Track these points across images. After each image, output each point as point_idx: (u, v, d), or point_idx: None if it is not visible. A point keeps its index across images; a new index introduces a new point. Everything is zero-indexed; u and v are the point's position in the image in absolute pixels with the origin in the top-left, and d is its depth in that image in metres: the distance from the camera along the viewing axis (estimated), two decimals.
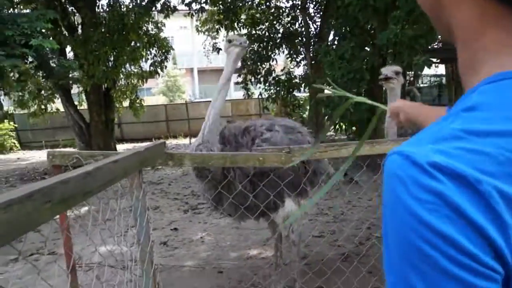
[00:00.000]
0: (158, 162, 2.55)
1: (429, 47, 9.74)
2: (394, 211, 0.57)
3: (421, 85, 21.42)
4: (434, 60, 11.79)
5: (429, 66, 8.88)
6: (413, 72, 11.49)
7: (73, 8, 13.43)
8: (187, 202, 8.17)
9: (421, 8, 0.74)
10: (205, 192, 3.22)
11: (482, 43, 0.64)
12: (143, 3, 13.26)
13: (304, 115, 17.46)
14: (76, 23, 13.73)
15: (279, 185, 2.98)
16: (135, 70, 14.76)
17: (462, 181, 0.53)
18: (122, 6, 13.55)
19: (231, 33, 3.24)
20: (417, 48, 8.11)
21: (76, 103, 14.60)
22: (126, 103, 16.09)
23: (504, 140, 0.55)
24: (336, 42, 10.99)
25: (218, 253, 5.32)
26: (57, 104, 15.94)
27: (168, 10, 13.65)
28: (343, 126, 10.28)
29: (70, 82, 13.49)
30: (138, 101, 15.81)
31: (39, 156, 17.29)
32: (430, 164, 0.54)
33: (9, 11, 9.96)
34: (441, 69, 19.27)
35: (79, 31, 13.27)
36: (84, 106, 15.01)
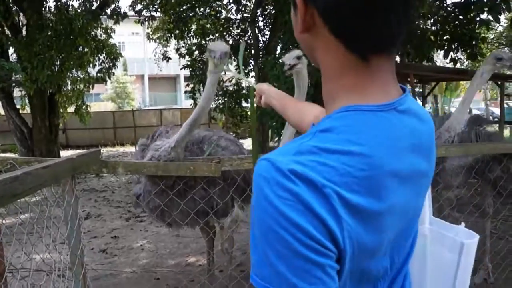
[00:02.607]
0: (92, 169, 2.65)
1: None
2: (259, 203, 0.74)
3: None
4: None
5: None
6: None
7: (17, 8, 13.06)
8: (129, 210, 8.16)
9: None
10: (152, 199, 3.16)
11: (340, 84, 0.85)
12: (92, 8, 13.09)
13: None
14: (20, 24, 13.34)
15: (231, 191, 3.16)
16: (82, 76, 14.49)
17: (312, 185, 0.72)
18: (71, 10, 13.32)
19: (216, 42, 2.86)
20: None
21: (18, 107, 14.13)
22: (71, 109, 15.74)
23: (344, 157, 0.75)
24: (283, 56, 11.30)
25: (156, 260, 5.40)
26: None
27: (118, 17, 13.53)
28: None
29: (12, 85, 13.07)
30: (84, 107, 15.49)
31: None
32: (289, 171, 0.72)
33: None
34: None
35: (24, 33, 12.91)
36: (27, 110, 14.56)
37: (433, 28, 9.96)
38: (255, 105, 2.02)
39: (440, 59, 17.17)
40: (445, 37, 9.72)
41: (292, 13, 0.91)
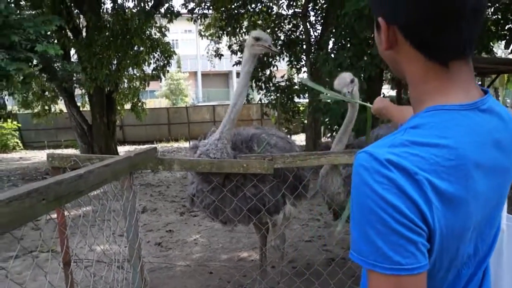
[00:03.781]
0: (149, 166, 2.75)
1: None
2: (360, 189, 0.86)
3: None
4: None
5: None
6: None
7: (78, 11, 13.67)
8: (184, 204, 8.36)
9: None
10: (205, 197, 3.26)
11: (425, 88, 0.97)
12: (147, 8, 13.47)
13: (306, 121, 17.64)
14: (81, 26, 13.95)
15: (281, 188, 3.19)
16: (138, 74, 14.99)
17: (406, 172, 0.83)
18: (127, 11, 13.78)
19: (256, 31, 3.18)
20: None
21: (79, 104, 14.82)
22: (128, 106, 16.31)
23: (433, 149, 0.86)
24: (335, 51, 11.15)
25: (210, 254, 5.51)
26: (61, 105, 16.19)
27: (172, 15, 13.84)
28: None
29: (74, 85, 13.72)
30: (139, 104, 16.02)
31: (41, 156, 17.53)
32: (386, 160, 0.84)
33: (16, 16, 10.16)
34: None
35: (84, 34, 13.50)
36: (87, 107, 15.23)
37: (494, 17, 9.48)
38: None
39: (501, 49, 16.33)
40: (507, 27, 9.25)
41: (376, 33, 1.03)
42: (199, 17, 14.63)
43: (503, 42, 9.33)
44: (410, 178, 0.83)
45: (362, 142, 3.86)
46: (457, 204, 0.86)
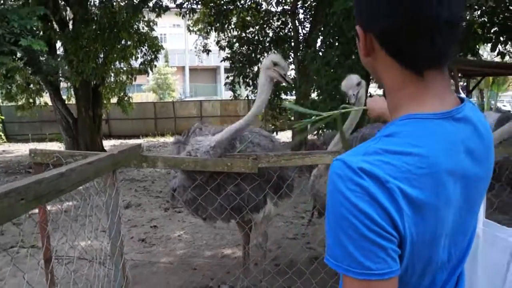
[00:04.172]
0: (133, 163, 2.74)
1: None
2: (334, 196, 0.89)
3: None
4: None
5: None
6: None
7: (65, 3, 13.49)
8: (168, 200, 8.31)
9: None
10: (187, 194, 3.24)
11: (401, 95, 1.00)
12: (135, 2, 13.32)
13: (292, 118, 17.62)
14: (67, 18, 13.77)
15: (265, 187, 3.19)
16: (125, 68, 14.86)
17: (377, 180, 0.85)
18: (114, 4, 13.63)
19: (276, 56, 3.01)
20: None
21: (64, 97, 14.65)
22: (114, 100, 16.18)
23: (405, 157, 0.88)
24: (323, 49, 11.16)
25: (193, 251, 5.51)
26: (45, 98, 15.99)
27: (160, 10, 13.72)
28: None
29: (59, 78, 13.56)
30: (126, 98, 15.90)
31: (25, 149, 17.30)
32: (359, 168, 0.86)
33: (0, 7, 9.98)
34: None
35: (70, 27, 13.32)
36: (73, 101, 15.07)
37: (480, 20, 9.57)
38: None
39: (487, 51, 16.51)
40: (493, 30, 9.33)
41: (357, 41, 1.05)
42: (187, 12, 14.53)
43: (489, 44, 9.41)
44: (382, 186, 0.85)
45: (348, 141, 3.89)
46: (427, 211, 0.89)
